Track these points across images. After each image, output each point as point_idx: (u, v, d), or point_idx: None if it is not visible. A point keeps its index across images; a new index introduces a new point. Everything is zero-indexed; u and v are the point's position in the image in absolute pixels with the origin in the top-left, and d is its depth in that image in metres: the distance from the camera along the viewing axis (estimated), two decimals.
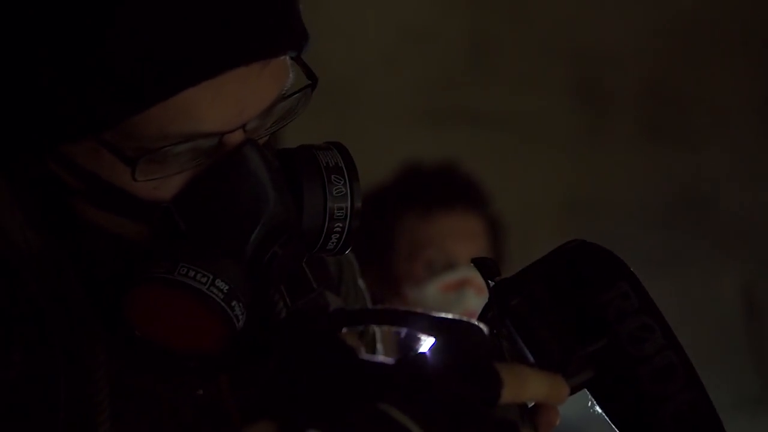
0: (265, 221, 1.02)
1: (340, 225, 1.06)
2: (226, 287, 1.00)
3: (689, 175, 5.02)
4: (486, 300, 0.89)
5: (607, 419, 0.91)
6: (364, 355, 0.81)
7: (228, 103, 1.01)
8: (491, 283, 0.91)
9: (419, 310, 0.89)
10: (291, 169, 1.05)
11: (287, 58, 1.05)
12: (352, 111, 4.68)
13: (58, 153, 1.02)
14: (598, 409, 0.96)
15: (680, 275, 4.92)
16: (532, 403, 0.88)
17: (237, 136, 1.03)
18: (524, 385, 0.82)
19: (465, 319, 0.85)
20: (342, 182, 1.06)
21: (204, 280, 0.99)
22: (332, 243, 1.05)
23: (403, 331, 0.83)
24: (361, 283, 1.22)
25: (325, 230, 1.05)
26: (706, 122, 5.09)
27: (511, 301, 0.89)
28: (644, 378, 0.88)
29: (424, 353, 0.82)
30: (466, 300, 2.23)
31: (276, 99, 1.04)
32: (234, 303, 0.99)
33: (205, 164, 1.04)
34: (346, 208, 1.06)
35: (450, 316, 0.86)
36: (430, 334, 0.85)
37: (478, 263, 0.92)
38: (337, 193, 1.06)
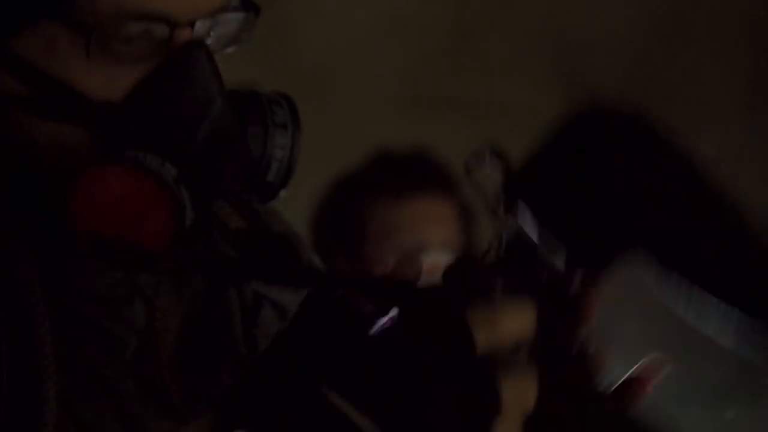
0: (210, 120, 1.03)
1: (281, 150, 1.06)
2: (175, 171, 0.99)
3: None
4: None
5: None
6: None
7: None
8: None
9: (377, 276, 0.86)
10: (232, 91, 1.06)
11: None
12: (333, 98, 4.66)
13: (7, 52, 1.01)
14: None
15: None
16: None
17: (186, 34, 1.04)
18: (497, 328, 0.76)
19: (427, 282, 0.81)
20: (284, 113, 1.07)
21: (154, 163, 0.99)
22: (272, 173, 1.05)
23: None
24: (316, 260, 1.21)
25: (266, 151, 1.05)
26: (691, 111, 5.09)
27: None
28: None
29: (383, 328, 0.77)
30: None
31: (224, 4, 1.05)
32: (182, 189, 0.99)
33: (155, 64, 1.04)
34: (289, 134, 1.07)
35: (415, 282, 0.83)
36: (390, 302, 0.82)
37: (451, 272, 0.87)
38: (279, 120, 1.07)
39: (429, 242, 2.06)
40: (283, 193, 0.89)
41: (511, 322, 0.77)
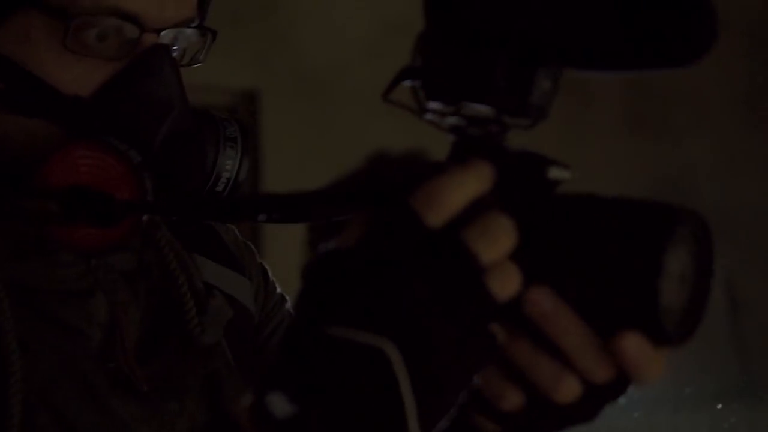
0: (170, 123, 1.07)
1: (231, 164, 1.10)
2: (139, 158, 1.04)
3: (670, 167, 5.03)
4: None
5: None
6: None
7: None
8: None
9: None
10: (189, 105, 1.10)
11: None
12: (333, 102, 4.68)
13: None
14: None
15: None
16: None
17: (153, 39, 1.09)
18: (445, 198, 0.71)
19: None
20: (234, 130, 1.11)
21: (121, 146, 1.05)
22: (222, 183, 1.08)
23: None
24: (272, 279, 1.24)
25: (217, 163, 1.09)
26: (688, 115, 5.11)
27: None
28: None
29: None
30: None
31: (189, 18, 1.09)
32: (146, 176, 1.04)
33: (123, 64, 1.08)
34: (238, 151, 1.10)
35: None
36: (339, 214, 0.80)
37: None
38: (229, 133, 1.11)
39: None
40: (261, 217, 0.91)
41: (460, 186, 0.72)
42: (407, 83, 0.77)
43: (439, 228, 0.71)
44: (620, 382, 0.74)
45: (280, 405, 0.70)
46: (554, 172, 0.75)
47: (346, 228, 0.74)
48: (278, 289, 1.24)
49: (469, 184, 0.72)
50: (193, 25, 1.12)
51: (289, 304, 1.23)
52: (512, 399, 0.74)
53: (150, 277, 1.11)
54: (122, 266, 1.09)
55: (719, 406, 4.77)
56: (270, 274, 1.24)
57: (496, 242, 0.71)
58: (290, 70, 4.65)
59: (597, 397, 0.74)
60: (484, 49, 0.75)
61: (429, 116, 0.76)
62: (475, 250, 0.70)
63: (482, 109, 0.75)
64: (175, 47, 1.12)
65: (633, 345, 0.71)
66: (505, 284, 0.71)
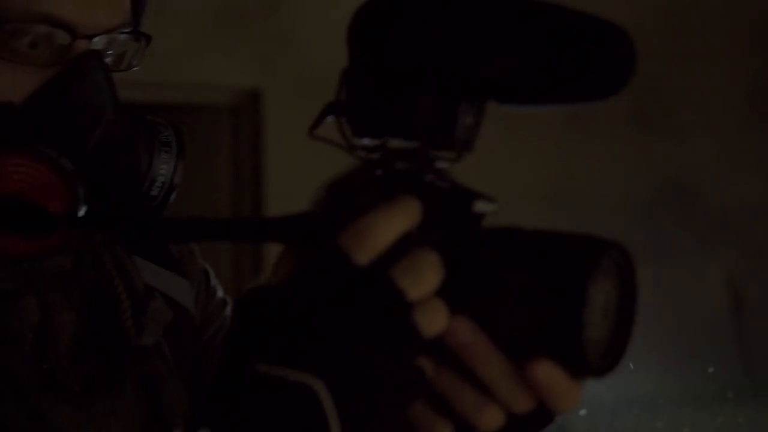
0: (102, 128, 1.08)
1: (165, 168, 1.09)
2: (71, 166, 1.04)
3: (674, 166, 5.03)
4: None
5: None
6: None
7: None
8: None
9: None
10: (124, 109, 1.11)
11: None
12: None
13: None
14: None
15: (665, 266, 4.94)
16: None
17: (85, 45, 1.09)
18: (372, 234, 0.72)
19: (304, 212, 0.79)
20: (169, 134, 1.11)
21: (53, 153, 1.04)
22: (156, 187, 1.09)
23: None
24: (214, 282, 1.24)
25: (152, 167, 1.09)
26: (691, 114, 5.11)
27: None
28: None
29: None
30: None
31: (122, 23, 1.10)
32: (78, 184, 1.04)
33: (56, 69, 1.09)
34: (173, 155, 1.11)
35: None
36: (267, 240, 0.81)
37: None
38: (164, 138, 1.11)
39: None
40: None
41: (388, 223, 0.72)
42: (332, 119, 0.78)
43: (367, 265, 0.71)
44: (544, 411, 0.75)
45: None
46: (480, 206, 0.76)
47: (275, 264, 0.74)
48: (220, 293, 1.24)
49: (396, 222, 0.73)
50: (127, 30, 1.13)
51: (230, 309, 1.23)
52: (442, 430, 0.75)
53: (86, 279, 1.11)
54: (56, 268, 1.09)
55: (722, 406, 4.78)
56: (212, 277, 1.24)
57: (422, 278, 0.72)
58: (293, 70, 4.65)
59: (521, 427, 0.75)
60: (407, 84, 0.76)
61: (356, 152, 0.77)
62: (402, 287, 0.71)
63: (407, 144, 0.76)
64: (109, 52, 1.12)
65: (546, 374, 0.72)
66: (432, 320, 0.72)
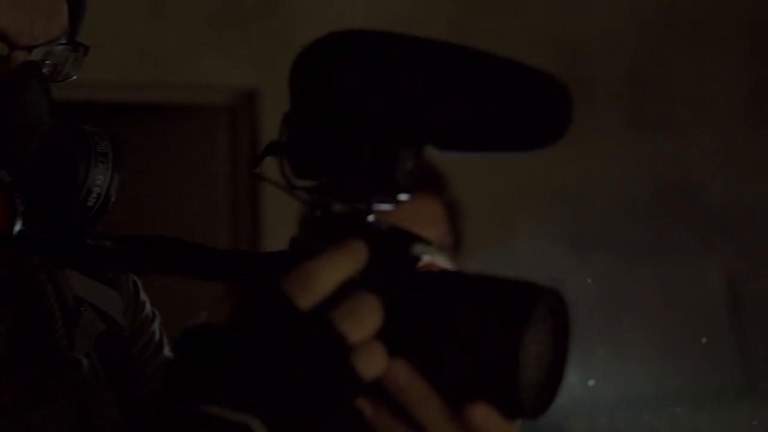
0: (39, 139, 1.08)
1: (101, 179, 1.09)
2: (9, 178, 1.05)
3: (673, 164, 5.03)
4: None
5: None
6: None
7: (20, 4, 1.09)
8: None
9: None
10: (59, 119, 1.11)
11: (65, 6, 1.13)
12: None
13: None
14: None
15: (664, 264, 4.94)
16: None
17: (23, 57, 1.09)
18: (316, 280, 0.73)
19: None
20: (105, 145, 1.11)
21: None
22: (92, 198, 1.08)
23: None
24: (143, 296, 1.25)
25: (88, 178, 1.09)
26: (690, 112, 5.11)
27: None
28: None
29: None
30: None
31: (60, 34, 1.10)
32: (16, 196, 1.04)
33: None
34: (109, 166, 1.11)
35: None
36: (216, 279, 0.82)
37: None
38: (100, 149, 1.11)
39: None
40: None
41: (331, 269, 0.74)
42: (273, 159, 0.80)
43: (309, 310, 0.73)
44: None
45: None
46: (418, 249, 0.78)
47: (217, 304, 0.75)
48: (148, 306, 1.24)
49: (339, 267, 0.74)
50: (64, 41, 1.13)
51: (158, 323, 1.24)
52: None
53: (18, 290, 1.11)
54: None
55: (721, 405, 4.78)
56: (141, 289, 1.25)
57: (362, 322, 0.73)
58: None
59: None
60: (348, 128, 0.77)
61: (297, 192, 0.79)
62: (342, 330, 0.73)
63: (348, 187, 0.78)
64: (47, 62, 1.12)
65: (482, 417, 0.74)
66: (371, 363, 0.74)
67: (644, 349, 4.84)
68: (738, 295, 5.01)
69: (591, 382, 4.73)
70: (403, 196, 0.79)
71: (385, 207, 0.79)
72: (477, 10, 4.82)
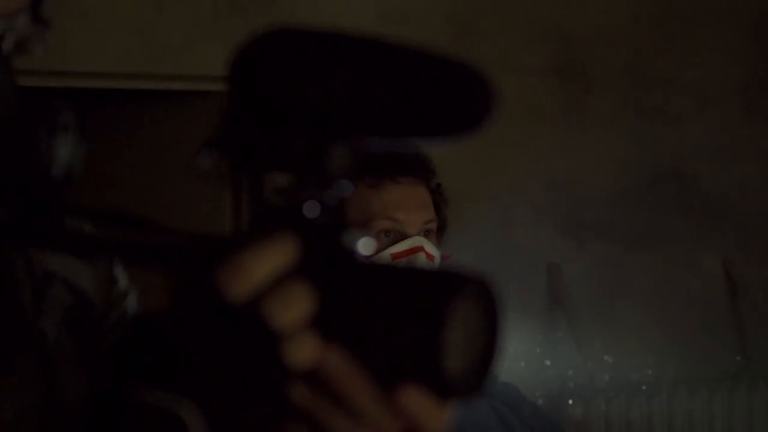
0: (1, 113, 1.06)
1: (65, 150, 1.09)
2: None
3: (671, 153, 5.05)
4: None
5: None
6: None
7: None
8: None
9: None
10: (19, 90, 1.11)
11: None
12: None
13: None
14: None
15: (661, 252, 4.96)
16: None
17: None
18: (249, 271, 0.76)
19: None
20: (69, 116, 1.10)
21: None
22: (56, 169, 1.08)
23: None
24: (118, 270, 1.24)
25: (51, 147, 1.08)
26: (688, 101, 5.12)
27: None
28: None
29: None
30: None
31: (21, 7, 1.09)
32: None
33: None
34: (72, 136, 1.09)
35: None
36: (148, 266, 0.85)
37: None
38: (63, 120, 1.09)
39: (409, 227, 2.10)
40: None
41: (263, 259, 0.77)
42: (210, 154, 0.81)
43: (242, 299, 0.75)
44: None
45: None
46: (351, 239, 0.80)
47: (160, 294, 0.78)
48: (123, 282, 1.24)
49: (270, 258, 0.77)
50: (25, 14, 1.11)
51: (134, 298, 1.24)
52: None
53: None
54: None
55: (718, 390, 4.80)
56: (116, 265, 1.25)
57: (293, 310, 0.76)
58: None
59: None
60: (281, 122, 0.80)
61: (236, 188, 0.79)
62: (274, 320, 0.75)
63: (281, 180, 0.80)
64: (7, 37, 1.10)
65: (411, 399, 0.77)
66: (303, 350, 0.76)
67: (641, 336, 4.87)
68: (734, 281, 5.03)
69: (588, 368, 4.76)
70: (343, 186, 0.82)
71: (325, 197, 0.81)
72: (477, 2, 4.84)
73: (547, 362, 4.66)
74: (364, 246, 0.79)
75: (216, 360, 0.75)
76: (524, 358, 4.40)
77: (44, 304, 1.13)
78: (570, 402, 4.61)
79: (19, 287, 1.11)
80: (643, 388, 4.74)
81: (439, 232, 2.15)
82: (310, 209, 0.80)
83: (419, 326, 0.75)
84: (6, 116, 1.08)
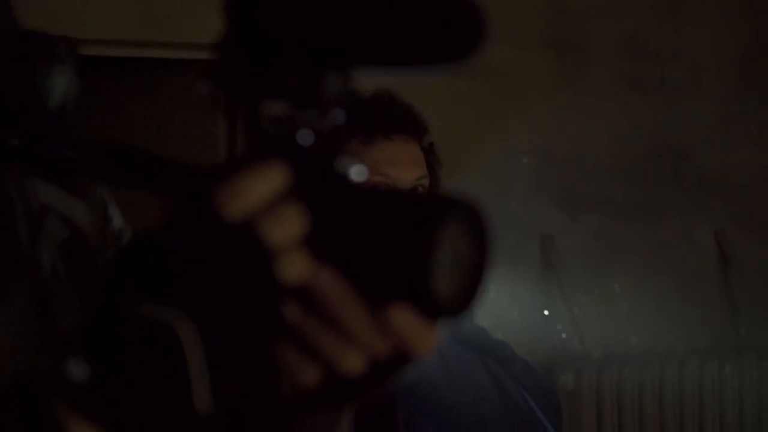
0: None
1: (60, 82, 1.11)
2: None
3: (665, 127, 5.08)
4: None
5: None
6: None
7: None
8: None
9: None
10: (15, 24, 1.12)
11: None
12: None
13: None
14: None
15: (655, 224, 4.99)
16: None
17: None
18: (242, 190, 0.78)
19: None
20: (63, 48, 1.12)
21: None
22: (53, 100, 1.10)
23: None
24: (112, 210, 1.26)
25: (47, 79, 1.10)
26: (684, 76, 5.14)
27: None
28: None
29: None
30: None
31: None
32: None
33: None
34: (68, 68, 1.11)
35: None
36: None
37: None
38: (59, 52, 1.11)
39: (398, 183, 2.12)
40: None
41: (258, 181, 0.79)
42: (207, 84, 0.83)
43: (237, 218, 0.78)
44: (401, 355, 0.81)
45: (77, 371, 0.77)
46: (343, 164, 0.82)
47: (154, 212, 0.80)
48: (117, 221, 1.26)
49: (266, 180, 0.79)
50: None
51: (127, 237, 1.26)
52: (307, 373, 0.82)
53: None
54: None
55: (709, 361, 4.84)
56: (111, 205, 1.26)
57: (286, 229, 0.78)
58: None
59: (380, 369, 0.82)
60: (275, 51, 0.82)
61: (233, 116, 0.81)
62: (267, 236, 0.78)
63: (276, 109, 0.82)
64: None
65: (400, 317, 0.79)
66: (294, 268, 0.78)
67: (634, 307, 4.91)
68: (726, 255, 5.06)
69: (581, 339, 4.79)
70: (335, 116, 0.84)
71: (318, 126, 0.83)
72: None
73: (540, 332, 4.70)
74: (357, 172, 0.81)
75: (210, 275, 0.77)
76: (517, 328, 4.44)
77: (40, 235, 1.13)
78: (563, 371, 4.65)
79: (15, 218, 1.12)
80: (635, 358, 4.78)
81: (431, 190, 2.18)
82: (304, 137, 0.82)
83: (409, 247, 0.77)
84: (3, 48, 1.08)
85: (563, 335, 4.78)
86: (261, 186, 0.78)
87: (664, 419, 4.76)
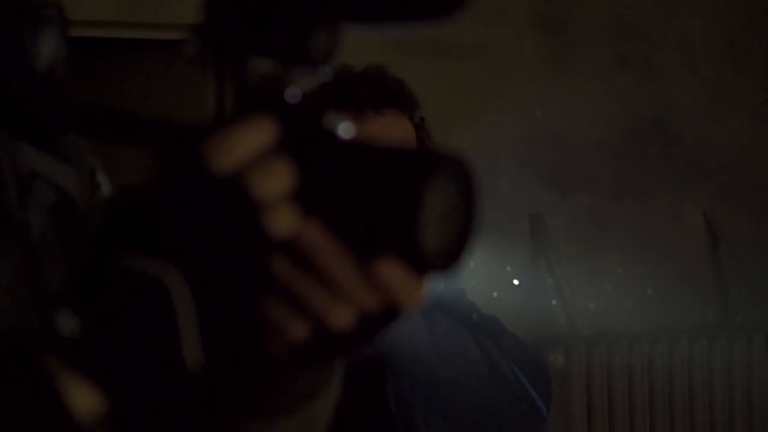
0: None
1: (49, 43, 1.10)
2: None
3: (654, 106, 5.09)
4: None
5: None
6: None
7: None
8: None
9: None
10: None
11: None
12: None
13: None
14: None
15: (644, 204, 5.01)
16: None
17: None
18: (230, 145, 0.78)
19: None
20: (52, 10, 1.11)
21: None
22: (41, 62, 1.09)
23: None
24: (101, 177, 1.25)
25: (35, 41, 1.09)
26: (672, 55, 5.15)
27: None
28: None
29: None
30: None
31: None
32: None
33: None
34: (56, 29, 1.11)
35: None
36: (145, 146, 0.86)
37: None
38: (46, 14, 1.11)
39: None
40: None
41: (246, 136, 0.79)
42: (194, 41, 0.83)
43: (225, 172, 0.78)
44: (390, 309, 0.81)
45: (66, 324, 0.77)
46: (330, 120, 0.83)
47: (144, 167, 0.80)
48: (106, 187, 1.25)
49: (254, 134, 0.79)
50: None
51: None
52: (296, 328, 0.82)
53: None
54: None
55: (698, 340, 4.86)
56: (99, 172, 1.26)
57: (274, 182, 0.78)
58: None
59: (369, 324, 0.82)
60: (261, 9, 0.82)
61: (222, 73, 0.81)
62: (255, 191, 0.78)
63: (264, 66, 0.82)
64: None
65: (388, 271, 0.79)
66: (282, 221, 0.78)
67: (623, 285, 4.92)
68: (715, 234, 5.08)
69: (570, 317, 4.81)
70: (322, 72, 0.84)
71: (305, 81, 0.83)
72: None
73: (530, 311, 4.71)
74: (344, 129, 0.81)
75: (198, 229, 0.77)
76: (507, 306, 4.45)
77: (29, 199, 1.13)
78: (552, 351, 4.67)
79: (5, 182, 1.12)
80: (625, 336, 4.79)
81: None
82: (292, 94, 0.82)
83: (396, 201, 0.78)
84: None
85: (552, 313, 4.79)
86: (249, 140, 0.78)
87: (654, 397, 4.77)
